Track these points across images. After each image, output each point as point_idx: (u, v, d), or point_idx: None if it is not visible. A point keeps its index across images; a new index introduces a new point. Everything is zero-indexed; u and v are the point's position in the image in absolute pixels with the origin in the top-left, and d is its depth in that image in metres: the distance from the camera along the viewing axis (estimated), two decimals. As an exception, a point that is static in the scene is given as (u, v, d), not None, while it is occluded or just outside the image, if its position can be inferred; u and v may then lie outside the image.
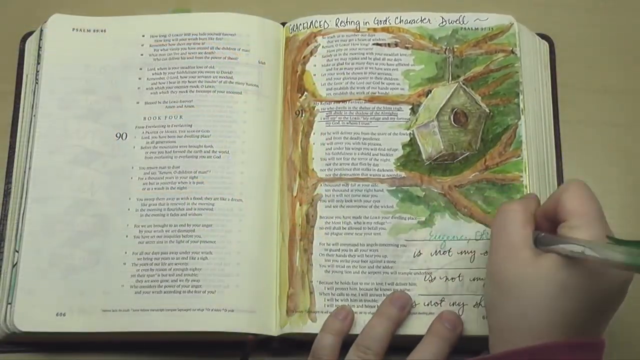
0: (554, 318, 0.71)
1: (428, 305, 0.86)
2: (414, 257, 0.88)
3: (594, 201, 0.73)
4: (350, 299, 0.87)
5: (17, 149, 0.96)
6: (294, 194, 0.91)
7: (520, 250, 0.74)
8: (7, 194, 0.95)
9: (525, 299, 0.72)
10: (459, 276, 0.87)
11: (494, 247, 0.76)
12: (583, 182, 0.75)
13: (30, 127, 0.94)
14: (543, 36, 1.00)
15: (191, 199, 0.90)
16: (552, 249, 0.72)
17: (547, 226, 0.77)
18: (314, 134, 0.92)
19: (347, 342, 0.85)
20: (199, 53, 0.95)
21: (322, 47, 0.95)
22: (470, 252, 0.87)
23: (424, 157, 0.91)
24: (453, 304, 0.86)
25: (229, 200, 0.90)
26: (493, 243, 0.77)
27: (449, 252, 0.88)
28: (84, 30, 0.97)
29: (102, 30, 0.97)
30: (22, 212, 0.91)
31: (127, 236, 0.90)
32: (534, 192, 0.87)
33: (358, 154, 0.91)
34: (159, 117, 0.93)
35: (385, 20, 0.96)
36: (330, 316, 0.87)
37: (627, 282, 0.72)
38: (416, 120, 0.92)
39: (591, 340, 0.72)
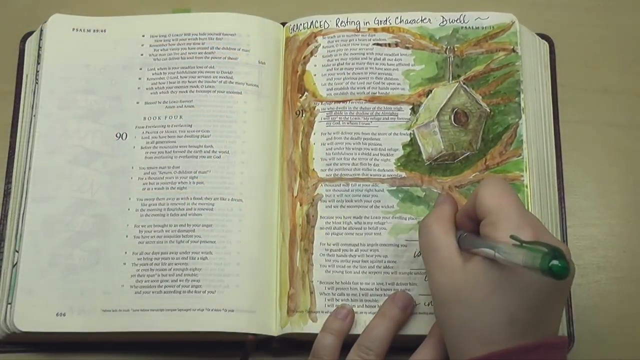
0: (495, 318, 0.71)
1: (428, 305, 0.86)
2: (415, 257, 0.88)
3: (510, 194, 0.74)
4: (351, 299, 0.87)
5: (17, 149, 0.96)
6: (295, 194, 0.91)
7: (448, 261, 0.75)
8: (7, 194, 0.95)
9: (464, 306, 0.73)
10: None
11: (427, 266, 0.78)
12: (498, 178, 0.78)
13: (30, 127, 0.94)
14: (543, 36, 1.00)
15: (191, 199, 0.90)
16: (473, 251, 0.73)
17: (471, 225, 0.77)
18: (314, 134, 0.92)
19: (347, 342, 0.85)
20: (199, 53, 0.96)
21: (323, 47, 0.95)
22: (471, 251, 0.87)
23: (424, 157, 0.91)
24: (454, 304, 0.86)
25: (229, 200, 0.90)
26: (425, 262, 0.78)
27: (449, 251, 0.88)
28: (84, 30, 0.97)
29: (102, 30, 0.97)
30: (22, 212, 0.91)
31: (127, 236, 0.90)
32: (448, 195, 0.87)
33: (358, 154, 0.91)
34: (159, 117, 0.93)
35: (386, 20, 0.96)
36: (331, 315, 0.87)
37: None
38: (416, 120, 0.92)
39: (550, 339, 0.73)
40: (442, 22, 0.96)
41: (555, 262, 0.62)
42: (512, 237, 0.68)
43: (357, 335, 0.85)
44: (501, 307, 0.71)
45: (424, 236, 0.78)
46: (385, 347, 0.84)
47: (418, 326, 0.86)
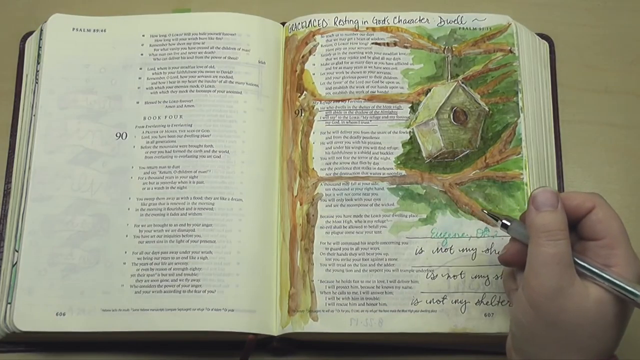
0: (608, 346, 0.72)
1: (430, 302, 0.86)
2: (416, 254, 0.88)
3: (619, 218, 0.74)
4: (352, 298, 0.87)
5: (17, 149, 0.96)
6: (295, 193, 0.91)
7: (569, 286, 0.70)
8: (7, 193, 0.95)
9: (582, 334, 0.71)
10: (460, 273, 0.87)
11: (537, 281, 0.71)
12: (604, 200, 0.74)
13: (30, 127, 0.94)
14: (543, 36, 1.00)
15: (191, 198, 0.90)
16: (598, 282, 0.71)
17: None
18: (313, 133, 0.92)
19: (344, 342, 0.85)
20: (199, 53, 0.96)
21: (321, 46, 0.96)
22: (472, 249, 0.87)
23: (424, 155, 0.91)
24: (455, 302, 0.86)
25: (229, 199, 0.90)
26: (534, 276, 0.71)
27: (450, 249, 0.88)
28: (84, 30, 0.97)
29: (102, 30, 0.97)
30: (22, 211, 0.91)
31: (127, 236, 0.90)
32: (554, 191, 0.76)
33: (358, 153, 0.91)
34: (159, 117, 0.93)
35: (384, 20, 0.96)
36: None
37: None
38: (416, 119, 0.92)
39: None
40: (440, 22, 0.96)
41: None
42: None
43: (357, 335, 0.85)
44: (615, 338, 0.72)
45: (552, 248, 0.71)
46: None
47: (419, 324, 0.86)
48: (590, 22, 1.03)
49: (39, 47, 0.97)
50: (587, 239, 0.73)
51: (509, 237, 0.77)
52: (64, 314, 0.87)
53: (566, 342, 0.71)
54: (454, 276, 0.87)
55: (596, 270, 0.71)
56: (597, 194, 0.74)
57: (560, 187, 0.95)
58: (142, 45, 0.97)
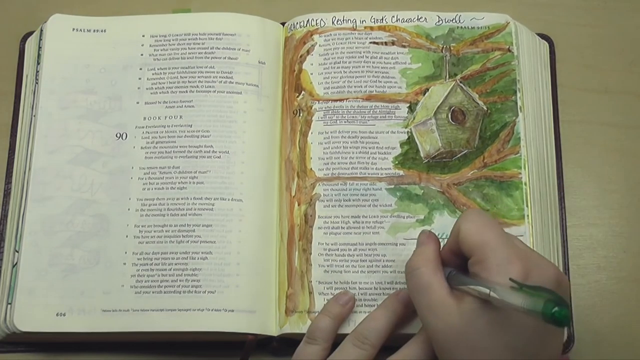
0: (497, 355, 0.70)
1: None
2: (414, 255, 0.88)
3: (491, 226, 0.74)
4: (349, 298, 0.87)
5: (17, 149, 0.96)
6: (293, 193, 0.91)
7: (442, 304, 0.73)
8: (7, 194, 0.95)
9: (463, 349, 0.72)
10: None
11: (421, 314, 0.76)
12: (476, 210, 0.77)
13: (30, 127, 0.94)
14: (543, 36, 1.00)
15: (191, 199, 0.90)
16: (464, 290, 0.72)
17: (457, 261, 0.77)
18: (311, 133, 0.92)
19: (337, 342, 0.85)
20: (199, 53, 0.96)
21: (319, 45, 0.96)
22: (469, 249, 0.87)
23: (422, 155, 0.91)
24: (452, 302, 0.86)
25: (228, 200, 0.90)
26: (417, 308, 0.77)
27: (448, 249, 0.88)
28: (84, 30, 0.97)
29: (102, 30, 0.98)
30: (22, 212, 0.91)
31: (127, 236, 0.90)
32: (430, 233, 0.83)
33: (356, 153, 0.91)
34: (159, 117, 0.94)
35: (382, 19, 0.96)
36: (332, 299, 0.86)
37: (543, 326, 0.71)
38: (414, 119, 0.92)
39: None
40: (438, 21, 0.96)
41: (557, 309, 0.61)
42: (511, 279, 0.67)
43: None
44: (502, 346, 0.70)
45: (412, 280, 0.77)
46: (382, 339, 0.82)
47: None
48: (590, 22, 1.03)
49: (39, 47, 0.97)
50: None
51: None
52: (64, 315, 0.87)
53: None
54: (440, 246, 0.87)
55: (457, 280, 0.74)
56: (469, 210, 0.78)
57: (560, 187, 0.95)
58: (142, 45, 0.97)
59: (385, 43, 0.95)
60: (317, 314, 0.87)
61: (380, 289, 0.87)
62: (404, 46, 0.95)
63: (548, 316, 0.61)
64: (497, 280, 0.69)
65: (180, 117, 0.93)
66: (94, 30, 0.98)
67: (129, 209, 0.91)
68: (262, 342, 0.89)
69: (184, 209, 0.90)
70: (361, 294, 0.87)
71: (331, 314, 0.85)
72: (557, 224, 0.93)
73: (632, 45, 1.02)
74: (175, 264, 0.89)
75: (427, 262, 0.77)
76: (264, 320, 0.88)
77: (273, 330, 0.88)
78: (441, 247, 0.81)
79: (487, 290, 0.69)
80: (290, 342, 0.89)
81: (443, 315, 0.73)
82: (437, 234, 0.87)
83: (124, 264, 0.89)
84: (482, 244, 0.72)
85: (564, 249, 0.93)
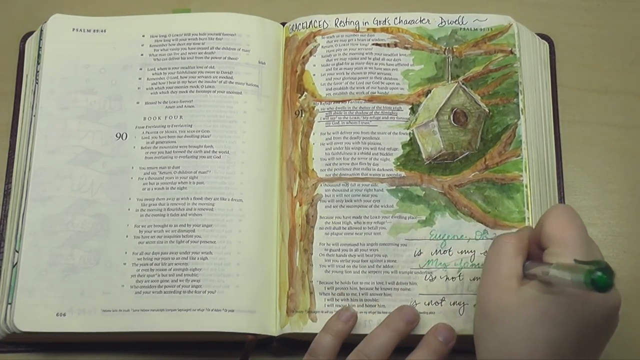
0: (536, 346, 0.70)
1: (429, 304, 0.86)
2: (415, 256, 0.88)
3: (576, 225, 0.73)
4: (351, 299, 0.87)
5: (17, 149, 0.96)
6: (294, 194, 0.91)
7: (506, 280, 0.74)
8: (7, 194, 0.95)
9: (507, 327, 0.72)
10: (459, 275, 0.87)
11: (483, 278, 0.77)
12: (567, 207, 0.75)
13: (30, 127, 0.94)
14: (543, 36, 1.00)
15: (191, 199, 0.90)
16: (530, 273, 0.73)
17: (538, 252, 0.76)
18: (313, 134, 0.92)
19: (346, 343, 0.85)
20: (199, 53, 0.96)
21: (322, 47, 0.95)
22: (471, 251, 0.87)
23: (423, 156, 0.91)
24: (453, 304, 0.86)
25: (229, 200, 0.90)
26: (484, 273, 0.77)
27: (449, 251, 0.88)
28: (84, 30, 0.97)
29: (102, 30, 0.97)
30: (22, 212, 0.91)
31: (127, 236, 0.90)
32: (529, 225, 0.85)
33: (358, 154, 0.91)
34: (159, 117, 0.93)
35: (385, 21, 0.96)
36: (333, 316, 0.86)
37: (612, 309, 0.72)
38: (416, 120, 0.92)
39: None
40: (441, 23, 0.96)
41: (598, 273, 0.61)
42: (575, 260, 0.67)
43: (357, 336, 0.85)
44: (544, 336, 0.70)
45: (495, 247, 0.77)
46: (385, 357, 0.83)
47: (417, 326, 0.86)
48: (590, 22, 1.03)
49: (39, 48, 0.97)
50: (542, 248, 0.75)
51: None
52: (64, 315, 0.87)
53: (494, 335, 0.73)
54: (452, 278, 0.87)
55: (527, 266, 0.74)
56: (557, 205, 0.78)
57: (561, 188, 0.95)
58: (142, 45, 0.97)
59: (388, 44, 0.95)
60: (317, 313, 0.87)
61: (381, 289, 0.87)
62: (406, 48, 0.95)
63: (588, 281, 0.61)
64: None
65: (180, 117, 0.93)
66: (94, 30, 0.97)
67: (129, 209, 0.91)
68: (262, 342, 0.89)
69: (184, 209, 0.90)
70: (362, 294, 0.87)
71: (333, 331, 0.85)
72: (557, 224, 0.93)
73: (632, 45, 1.02)
74: (176, 264, 0.89)
75: (516, 241, 0.76)
76: (264, 320, 0.88)
77: (273, 330, 0.89)
78: None
79: (547, 269, 0.69)
80: (290, 342, 0.89)
81: (502, 290, 0.73)
82: (438, 236, 0.88)
83: (124, 264, 0.89)
84: (561, 238, 0.72)
85: (564, 249, 0.93)
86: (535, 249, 0.77)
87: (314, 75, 0.95)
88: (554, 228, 0.73)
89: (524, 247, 0.77)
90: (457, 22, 0.96)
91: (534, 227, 0.79)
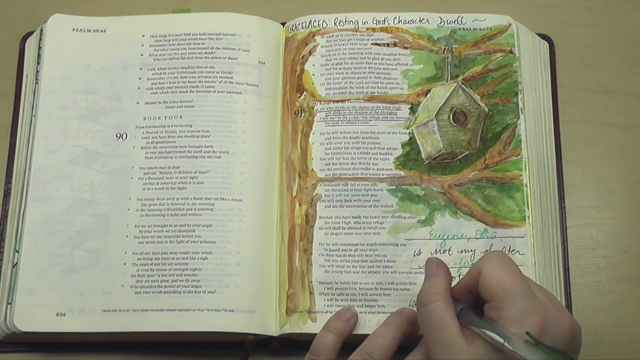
0: None
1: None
2: (414, 256, 0.88)
3: (514, 275, 0.72)
4: (350, 299, 0.87)
5: (17, 149, 0.96)
6: (294, 194, 0.91)
7: (452, 344, 0.73)
8: (7, 194, 0.95)
9: None
10: (459, 275, 0.87)
11: (429, 347, 0.76)
12: (501, 255, 0.75)
13: (30, 127, 0.94)
14: (543, 36, 1.00)
15: (191, 199, 0.90)
16: (478, 332, 0.72)
17: (471, 298, 0.76)
18: (313, 133, 0.92)
19: (347, 342, 0.85)
20: (199, 53, 0.96)
21: (321, 46, 0.96)
22: (471, 250, 0.87)
23: (423, 156, 0.91)
24: (453, 303, 0.86)
25: (229, 200, 0.90)
26: (426, 341, 0.77)
27: (449, 251, 0.88)
28: (84, 30, 0.97)
29: (102, 30, 0.97)
30: (22, 212, 0.91)
31: (127, 236, 0.90)
32: (439, 262, 0.81)
33: (357, 154, 0.91)
34: (159, 117, 0.94)
35: (384, 20, 0.96)
36: (334, 315, 0.87)
37: None
38: (415, 120, 0.92)
39: None
40: (440, 22, 0.96)
41: None
42: (527, 334, 0.67)
43: (357, 336, 0.85)
44: None
45: (423, 315, 0.76)
46: (387, 356, 0.83)
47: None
48: (590, 22, 1.03)
49: (39, 48, 0.97)
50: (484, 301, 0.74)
51: (507, 239, 0.81)
52: (64, 315, 0.87)
53: None
54: (452, 277, 0.87)
55: (469, 319, 0.74)
56: (491, 254, 0.76)
57: (560, 188, 0.95)
58: (142, 45, 0.97)
59: (387, 44, 0.95)
60: (317, 313, 0.87)
61: (380, 289, 0.87)
62: (405, 47, 0.95)
63: None
64: (513, 331, 0.69)
65: (180, 117, 0.93)
66: (94, 30, 0.98)
67: (129, 209, 0.91)
68: (262, 342, 0.89)
69: (184, 209, 0.90)
70: (362, 294, 0.87)
71: (334, 329, 0.85)
72: (557, 224, 0.93)
73: (632, 45, 1.02)
74: (175, 264, 0.89)
75: (438, 298, 0.76)
76: (264, 320, 0.88)
77: (273, 330, 0.89)
78: (452, 279, 0.81)
79: (502, 340, 0.68)
80: (290, 342, 0.89)
81: (452, 355, 0.72)
82: (437, 235, 0.88)
83: (124, 264, 0.89)
84: (503, 292, 0.71)
85: (564, 249, 0.93)
86: (467, 295, 0.77)
87: (314, 75, 0.95)
88: (493, 280, 0.72)
89: (446, 296, 0.76)
90: (456, 22, 0.96)
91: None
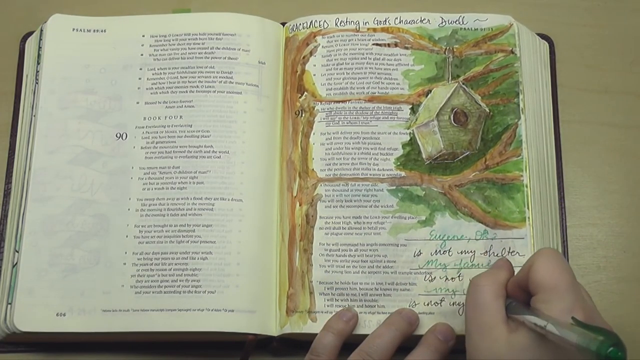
0: None
1: (428, 305, 0.86)
2: (414, 256, 0.88)
3: (565, 271, 0.72)
4: (350, 299, 0.87)
5: (17, 149, 0.96)
6: (294, 194, 0.91)
7: (493, 328, 0.73)
8: (7, 194, 0.95)
9: None
10: (459, 276, 0.87)
11: (468, 326, 0.76)
12: (554, 251, 0.74)
13: (30, 127, 0.94)
14: (543, 36, 1.00)
15: (191, 199, 0.90)
16: (519, 318, 0.72)
17: (522, 295, 0.76)
18: (313, 134, 0.92)
19: (348, 342, 0.85)
20: (199, 53, 0.96)
21: (322, 47, 0.96)
22: (471, 251, 0.87)
23: (424, 156, 0.91)
24: (453, 304, 0.86)
25: (229, 200, 0.90)
26: (467, 322, 0.76)
27: (449, 251, 0.88)
28: (84, 30, 0.97)
29: (102, 30, 0.97)
30: (22, 212, 0.91)
31: (127, 236, 0.90)
32: (507, 261, 0.83)
33: (358, 154, 0.91)
34: (159, 117, 0.93)
35: (385, 21, 0.96)
36: (335, 316, 0.87)
37: None
38: (416, 120, 0.92)
39: None
40: (441, 22, 0.96)
41: (612, 349, 0.60)
42: (573, 318, 0.67)
43: (357, 336, 0.85)
44: None
45: (473, 294, 0.77)
46: (387, 356, 0.83)
47: (418, 326, 0.86)
48: (590, 22, 1.03)
49: (39, 48, 0.97)
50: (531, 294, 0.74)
51: (507, 240, 0.83)
52: (64, 315, 0.87)
53: None
54: (452, 278, 0.87)
55: (515, 310, 0.74)
56: (545, 249, 0.75)
57: (561, 188, 0.95)
58: (142, 45, 0.97)
59: (388, 44, 0.95)
60: (317, 314, 0.87)
61: (381, 289, 0.87)
62: (406, 48, 0.95)
63: (602, 355, 0.60)
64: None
65: (180, 117, 0.93)
66: (94, 30, 0.97)
67: (129, 209, 0.91)
68: (262, 342, 0.89)
69: (184, 209, 0.90)
70: (362, 295, 0.87)
71: (334, 330, 0.85)
72: (557, 224, 0.93)
73: (632, 45, 1.02)
74: (175, 264, 0.89)
75: (493, 284, 0.76)
76: (264, 320, 0.88)
77: (273, 330, 0.89)
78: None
79: (544, 323, 0.68)
80: (290, 342, 0.89)
81: (490, 339, 0.73)
82: (438, 236, 0.88)
83: (124, 264, 0.89)
84: (552, 285, 0.71)
85: (564, 249, 0.93)
86: (518, 292, 0.76)
87: (314, 75, 0.95)
88: (543, 274, 0.72)
89: (502, 287, 0.77)
90: (457, 22, 0.96)
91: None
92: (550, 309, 0.70)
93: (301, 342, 0.88)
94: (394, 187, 0.90)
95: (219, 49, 0.96)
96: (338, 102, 0.93)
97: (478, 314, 0.75)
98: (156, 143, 0.93)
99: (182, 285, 0.88)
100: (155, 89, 0.95)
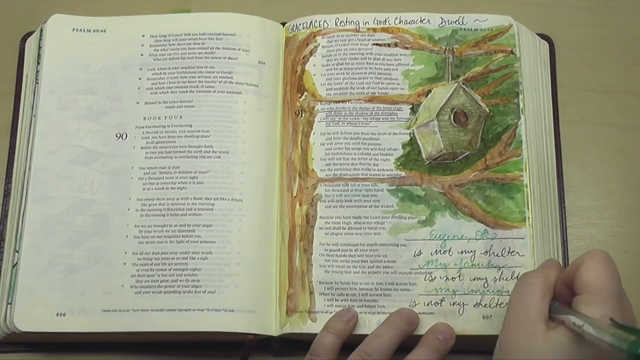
0: None
1: (428, 305, 0.86)
2: (414, 256, 0.88)
3: (613, 277, 0.72)
4: (350, 299, 0.87)
5: (17, 149, 0.96)
6: (294, 194, 0.91)
7: (532, 323, 0.73)
8: (7, 194, 0.95)
9: None
10: (459, 276, 0.87)
11: (509, 318, 0.76)
12: (605, 254, 0.74)
13: (30, 127, 0.94)
14: (543, 36, 1.00)
15: (191, 199, 0.90)
16: (560, 318, 0.72)
17: (567, 294, 0.76)
18: (313, 134, 0.92)
19: (347, 343, 0.85)
20: (199, 53, 0.96)
21: (322, 47, 0.95)
22: (471, 251, 0.87)
23: (424, 156, 0.91)
24: (453, 304, 0.86)
25: (229, 200, 0.90)
26: (509, 314, 0.76)
27: (449, 251, 0.88)
28: (84, 30, 0.97)
29: (102, 30, 0.97)
30: (22, 212, 0.91)
31: (127, 236, 0.90)
32: (557, 262, 0.82)
33: (358, 154, 0.91)
34: (159, 117, 0.93)
35: (385, 21, 0.96)
36: (335, 316, 0.87)
37: None
38: (416, 120, 0.92)
39: None
40: (441, 23, 0.96)
41: None
42: (611, 319, 0.67)
43: (357, 337, 0.85)
44: None
45: (521, 287, 0.76)
46: (386, 356, 0.83)
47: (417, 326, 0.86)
48: (590, 22, 1.03)
49: (39, 48, 0.97)
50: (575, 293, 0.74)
51: (507, 240, 0.84)
52: (64, 315, 0.87)
53: None
54: (452, 278, 0.87)
55: (556, 310, 0.74)
56: (597, 251, 0.75)
57: (561, 188, 0.95)
58: (142, 45, 0.97)
59: (388, 45, 0.95)
60: (317, 314, 0.87)
61: (381, 289, 0.87)
62: (406, 48, 0.95)
63: (633, 354, 0.61)
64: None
65: (180, 117, 0.93)
66: (94, 30, 0.97)
67: (129, 209, 0.91)
68: (263, 342, 0.89)
69: (184, 209, 0.90)
70: (362, 295, 0.87)
71: (334, 330, 0.85)
72: (557, 224, 0.93)
73: (632, 45, 1.02)
74: (175, 264, 0.89)
75: (543, 282, 0.76)
76: (264, 320, 0.88)
77: (273, 330, 0.89)
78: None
79: (582, 322, 0.68)
80: (290, 342, 0.89)
81: (528, 333, 0.72)
82: (438, 236, 0.88)
83: (124, 264, 0.89)
84: (597, 288, 0.71)
85: (564, 249, 0.93)
86: (563, 289, 0.76)
87: (314, 75, 0.95)
88: (591, 276, 0.72)
89: (551, 287, 0.76)
90: (457, 22, 0.96)
91: (562, 263, 0.79)
92: (592, 311, 0.70)
93: (301, 342, 0.88)
94: (394, 187, 0.90)
95: (219, 49, 0.96)
96: (338, 102, 0.93)
97: (522, 307, 0.75)
98: (156, 143, 0.93)
99: (182, 285, 0.88)
100: (155, 89, 0.95)
